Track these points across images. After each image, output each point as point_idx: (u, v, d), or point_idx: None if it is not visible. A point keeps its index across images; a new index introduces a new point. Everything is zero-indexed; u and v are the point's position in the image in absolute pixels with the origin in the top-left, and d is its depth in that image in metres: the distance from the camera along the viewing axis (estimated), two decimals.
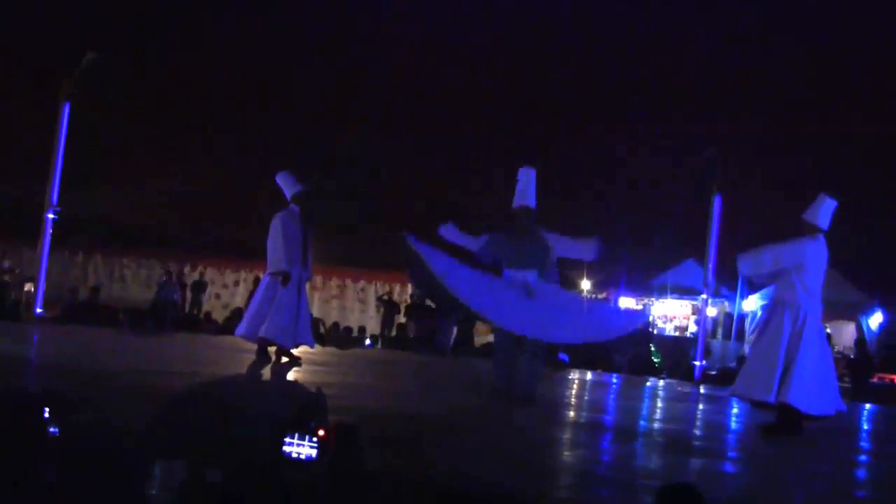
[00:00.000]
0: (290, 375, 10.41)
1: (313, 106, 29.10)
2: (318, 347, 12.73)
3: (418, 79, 28.98)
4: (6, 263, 21.18)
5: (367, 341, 22.21)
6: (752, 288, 22.71)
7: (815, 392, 8.65)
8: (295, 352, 11.31)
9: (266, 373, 10.57)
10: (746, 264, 9.17)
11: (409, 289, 25.22)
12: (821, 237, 8.97)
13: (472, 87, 29.67)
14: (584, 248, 9.91)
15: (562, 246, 9.67)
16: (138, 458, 4.63)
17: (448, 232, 9.68)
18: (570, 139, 28.82)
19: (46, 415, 4.63)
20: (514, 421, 8.63)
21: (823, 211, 9.00)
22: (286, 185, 11.29)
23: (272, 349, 11.22)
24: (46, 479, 4.00)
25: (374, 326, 23.78)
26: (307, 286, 11.81)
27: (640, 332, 22.48)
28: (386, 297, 24.87)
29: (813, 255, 8.89)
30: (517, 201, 9.50)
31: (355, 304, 25.40)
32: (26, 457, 4.07)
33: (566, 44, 30.06)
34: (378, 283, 25.85)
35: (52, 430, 4.57)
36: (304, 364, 11.22)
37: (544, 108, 29.14)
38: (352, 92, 29.90)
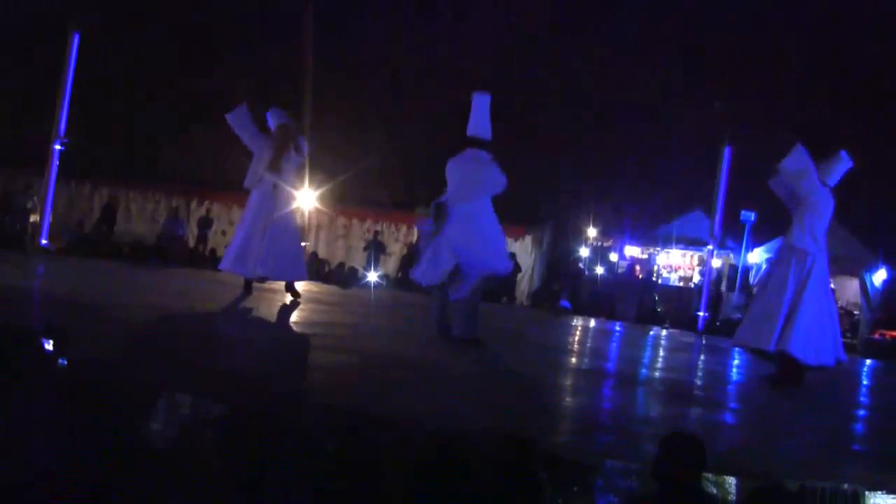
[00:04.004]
0: (291, 315, 10.39)
1: (322, 42, 28.82)
2: (321, 287, 12.74)
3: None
4: (29, 203, 21.08)
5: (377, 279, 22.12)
6: (756, 240, 22.75)
7: (815, 342, 8.64)
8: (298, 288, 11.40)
9: (257, 309, 10.44)
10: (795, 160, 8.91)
11: (405, 229, 25.17)
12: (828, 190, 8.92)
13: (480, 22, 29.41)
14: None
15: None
16: (135, 394, 4.64)
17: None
18: (578, 89, 28.60)
19: (46, 348, 4.64)
20: (514, 366, 8.65)
21: (838, 169, 8.92)
22: (275, 117, 11.17)
23: (267, 285, 11.28)
24: (44, 413, 4.01)
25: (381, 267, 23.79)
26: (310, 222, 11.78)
27: (643, 282, 22.55)
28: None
29: (825, 200, 8.82)
30: (469, 130, 9.08)
31: (360, 243, 25.29)
32: (25, 390, 4.08)
33: None
34: (384, 224, 25.76)
35: (50, 363, 4.58)
36: (310, 303, 11.24)
37: (552, 54, 28.89)
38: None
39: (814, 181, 8.77)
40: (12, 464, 3.74)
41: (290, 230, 11.04)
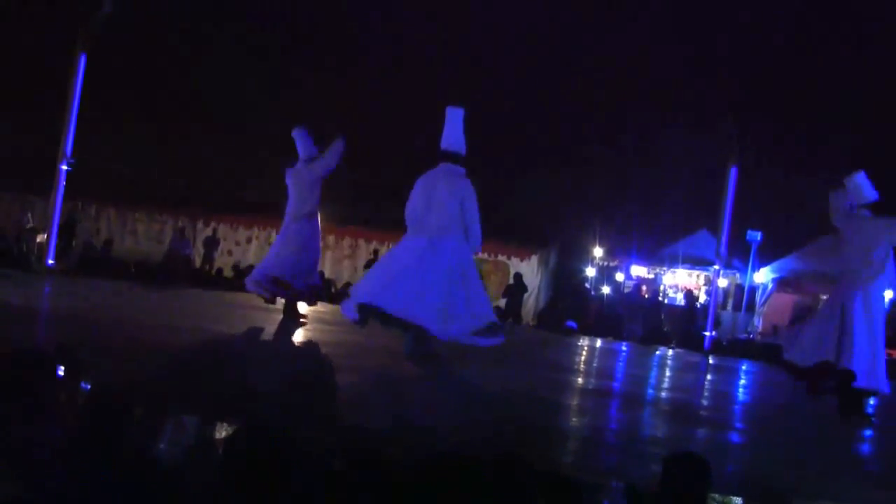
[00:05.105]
0: (297, 334, 10.39)
1: (333, 63, 28.94)
2: (327, 307, 12.74)
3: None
4: (29, 222, 21.12)
5: None
6: (763, 260, 22.69)
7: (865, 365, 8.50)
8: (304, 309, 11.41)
9: (265, 328, 10.47)
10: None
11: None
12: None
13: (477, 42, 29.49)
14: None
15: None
16: (143, 414, 4.63)
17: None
18: (585, 107, 28.63)
19: (60, 370, 4.64)
20: (520, 385, 8.62)
21: (857, 190, 8.86)
22: (301, 140, 11.23)
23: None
24: (52, 435, 4.00)
25: None
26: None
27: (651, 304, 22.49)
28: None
29: (851, 227, 8.79)
30: (443, 144, 8.95)
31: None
32: (34, 412, 4.08)
33: (585, 9, 29.81)
34: (390, 244, 25.68)
35: (64, 384, 4.58)
36: (318, 324, 11.24)
37: (557, 72, 28.95)
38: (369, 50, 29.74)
39: (836, 213, 8.80)
40: (28, 483, 3.73)
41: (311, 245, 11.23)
